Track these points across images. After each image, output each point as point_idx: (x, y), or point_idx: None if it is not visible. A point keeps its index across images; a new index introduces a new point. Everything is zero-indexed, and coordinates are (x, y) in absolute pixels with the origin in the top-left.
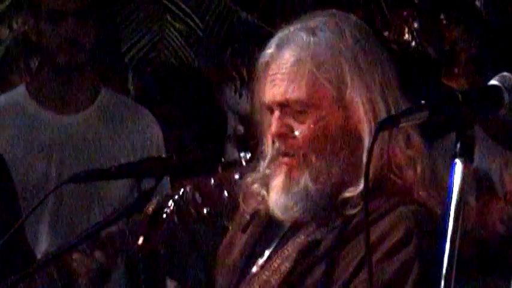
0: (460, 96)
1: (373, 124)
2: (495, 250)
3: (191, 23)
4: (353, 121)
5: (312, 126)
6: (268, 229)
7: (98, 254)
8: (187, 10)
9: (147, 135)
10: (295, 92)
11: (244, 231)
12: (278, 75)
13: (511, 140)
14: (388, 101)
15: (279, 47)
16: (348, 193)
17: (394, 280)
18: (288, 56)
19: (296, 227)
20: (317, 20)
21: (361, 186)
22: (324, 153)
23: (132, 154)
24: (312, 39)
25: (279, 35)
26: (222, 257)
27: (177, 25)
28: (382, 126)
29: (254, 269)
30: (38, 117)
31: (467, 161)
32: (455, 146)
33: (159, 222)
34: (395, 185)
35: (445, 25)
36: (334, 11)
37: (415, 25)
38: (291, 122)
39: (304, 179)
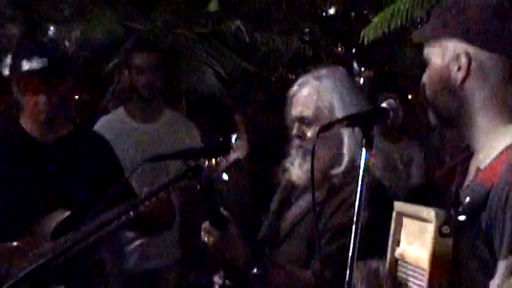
0: (365, 113)
1: (350, 130)
2: None
3: (219, 71)
4: (338, 128)
5: (315, 131)
6: (293, 189)
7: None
8: (216, 64)
9: (192, 136)
10: (306, 112)
11: (284, 191)
12: (298, 102)
13: (395, 137)
14: None
15: (300, 86)
16: (334, 171)
17: (350, 222)
18: (303, 91)
19: (305, 189)
20: (322, 71)
21: (342, 167)
22: (321, 146)
23: (183, 146)
24: (317, 82)
25: (300, 79)
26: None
27: (212, 71)
28: (320, 130)
29: (284, 214)
30: (130, 126)
31: (369, 150)
32: (361, 141)
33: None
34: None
35: None
36: (333, 66)
37: None
38: (304, 128)
39: (309, 162)
